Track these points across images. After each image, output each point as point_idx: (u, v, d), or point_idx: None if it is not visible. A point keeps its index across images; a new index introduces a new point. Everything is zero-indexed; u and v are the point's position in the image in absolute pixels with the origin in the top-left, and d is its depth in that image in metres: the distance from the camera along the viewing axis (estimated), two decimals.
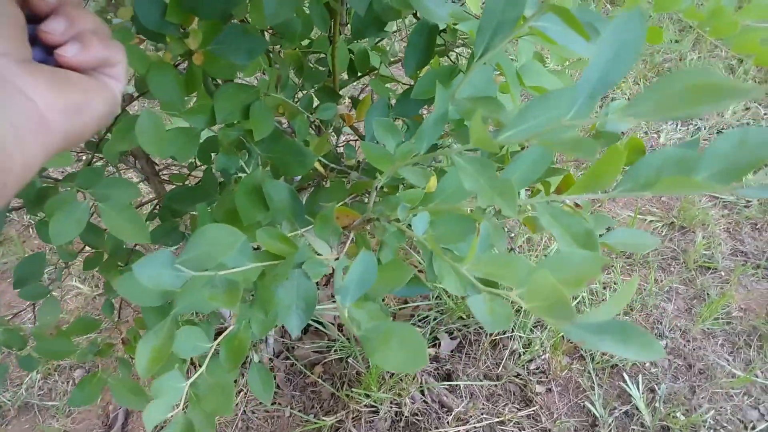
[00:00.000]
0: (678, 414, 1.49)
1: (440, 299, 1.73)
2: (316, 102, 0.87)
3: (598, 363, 1.62)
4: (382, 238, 0.62)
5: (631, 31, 0.34)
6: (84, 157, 0.87)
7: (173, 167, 1.24)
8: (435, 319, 1.70)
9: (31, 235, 2.21)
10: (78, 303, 1.95)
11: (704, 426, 1.47)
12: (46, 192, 0.82)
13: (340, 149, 0.94)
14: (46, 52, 0.33)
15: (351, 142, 0.87)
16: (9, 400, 1.68)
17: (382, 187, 0.66)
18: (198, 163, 1.04)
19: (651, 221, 2.05)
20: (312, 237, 0.63)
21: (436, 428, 1.48)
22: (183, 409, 0.63)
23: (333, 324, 1.73)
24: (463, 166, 0.47)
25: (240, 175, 0.74)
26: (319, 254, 0.60)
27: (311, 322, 1.73)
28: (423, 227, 0.57)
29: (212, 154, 0.99)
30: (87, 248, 1.01)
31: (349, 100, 1.01)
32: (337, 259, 0.61)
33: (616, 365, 1.62)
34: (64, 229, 0.68)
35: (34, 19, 0.32)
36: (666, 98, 0.29)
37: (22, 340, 0.86)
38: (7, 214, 0.76)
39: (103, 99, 0.34)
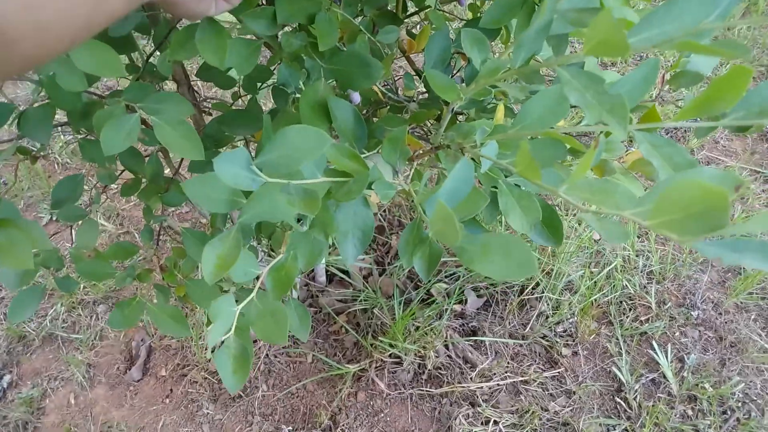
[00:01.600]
0: (706, 385, 1.47)
1: None
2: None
3: (626, 329, 1.60)
4: (453, 166, 0.58)
5: None
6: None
7: (212, 100, 1.20)
8: (462, 277, 1.68)
9: (56, 171, 2.20)
10: (102, 240, 1.94)
11: (732, 398, 1.44)
12: (91, 107, 0.79)
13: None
14: None
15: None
16: (33, 330, 1.69)
17: (454, 114, 0.62)
18: (242, 93, 1.00)
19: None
20: (377, 160, 0.59)
21: (459, 383, 1.47)
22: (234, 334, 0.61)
23: (358, 275, 1.71)
24: (567, 79, 0.43)
25: (297, 96, 0.70)
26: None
27: (336, 271, 1.72)
28: (493, 156, 0.53)
29: (258, 84, 0.95)
30: (123, 175, 0.99)
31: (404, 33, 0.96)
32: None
33: (645, 333, 1.60)
34: (115, 141, 0.64)
35: None
36: None
37: (60, 260, 0.84)
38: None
39: None
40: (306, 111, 0.60)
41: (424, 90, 0.87)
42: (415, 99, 0.78)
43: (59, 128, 2.26)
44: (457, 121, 0.83)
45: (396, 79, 0.86)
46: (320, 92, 0.61)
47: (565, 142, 0.49)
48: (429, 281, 1.68)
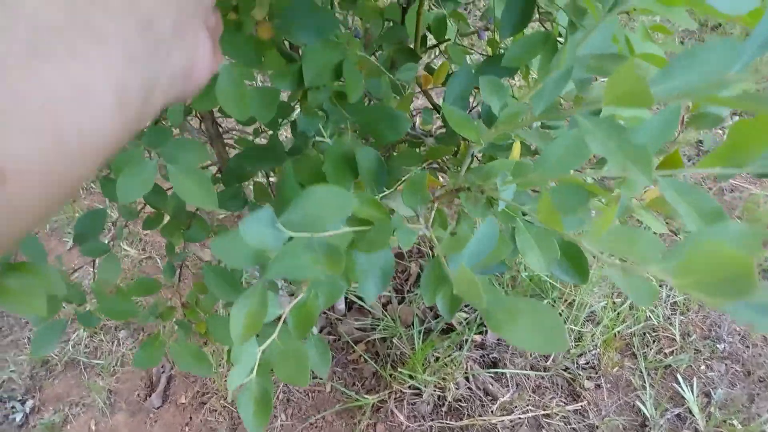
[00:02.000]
0: (734, 421, 1.43)
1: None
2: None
3: (650, 362, 1.56)
4: (474, 208, 0.58)
5: None
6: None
7: (234, 132, 1.22)
8: None
9: (81, 195, 2.24)
10: (125, 265, 1.97)
11: None
12: None
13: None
14: None
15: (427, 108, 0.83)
16: (56, 356, 1.71)
17: (472, 156, 0.62)
18: (263, 128, 1.02)
19: None
20: (394, 203, 0.60)
21: (480, 416, 1.45)
22: (256, 375, 0.61)
23: (377, 303, 1.71)
24: (589, 128, 0.43)
25: (318, 139, 0.71)
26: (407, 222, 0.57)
27: (355, 299, 1.71)
28: (510, 197, 0.53)
29: (279, 119, 0.97)
30: (146, 208, 1.00)
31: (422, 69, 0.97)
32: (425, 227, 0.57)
33: (670, 366, 1.56)
34: (131, 188, 0.66)
35: None
36: None
37: (82, 295, 0.85)
38: None
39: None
40: (330, 168, 0.61)
41: (441, 125, 0.87)
42: (432, 134, 0.78)
43: None
44: (475, 158, 0.83)
45: (413, 114, 0.87)
46: (346, 146, 0.62)
47: (587, 188, 0.49)
48: None
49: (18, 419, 1.58)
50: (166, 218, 0.96)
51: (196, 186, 0.68)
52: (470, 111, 0.91)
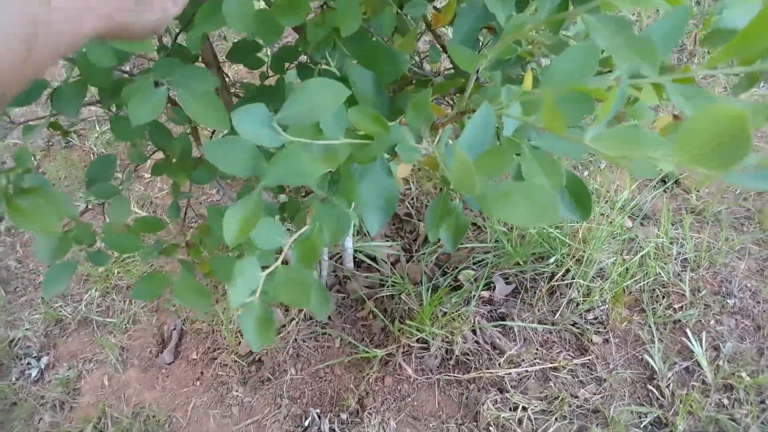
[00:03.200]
0: (743, 374, 1.43)
1: (498, 242, 1.69)
2: None
3: (659, 318, 1.56)
4: None
5: None
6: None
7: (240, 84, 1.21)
8: (491, 263, 1.66)
9: (92, 160, 2.25)
10: None
11: None
12: (122, 84, 0.80)
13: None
14: None
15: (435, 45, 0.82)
16: (69, 314, 1.74)
17: (477, 80, 0.61)
18: (269, 73, 1.01)
19: None
20: (402, 128, 0.59)
21: (487, 369, 1.46)
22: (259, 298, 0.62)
23: (386, 261, 1.71)
24: (595, 25, 0.42)
25: (325, 68, 0.70)
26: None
27: (364, 258, 1.72)
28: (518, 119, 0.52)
29: (285, 64, 0.96)
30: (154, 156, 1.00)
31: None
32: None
33: (679, 321, 1.56)
34: (142, 112, 0.65)
35: None
36: None
37: (93, 236, 0.86)
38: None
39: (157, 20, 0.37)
40: None
41: (451, 66, 0.86)
42: (441, 73, 0.77)
43: (95, 120, 2.31)
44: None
45: (421, 54, 0.86)
46: (344, 72, 0.61)
47: (592, 95, 0.48)
48: (456, 268, 1.67)
49: (34, 375, 1.61)
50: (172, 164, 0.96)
51: (209, 108, 0.68)
52: (479, 51, 0.89)
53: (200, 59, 1.01)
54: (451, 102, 0.84)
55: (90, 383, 1.57)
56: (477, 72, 0.56)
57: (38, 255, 0.81)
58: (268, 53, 2.27)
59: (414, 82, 0.80)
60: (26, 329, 1.71)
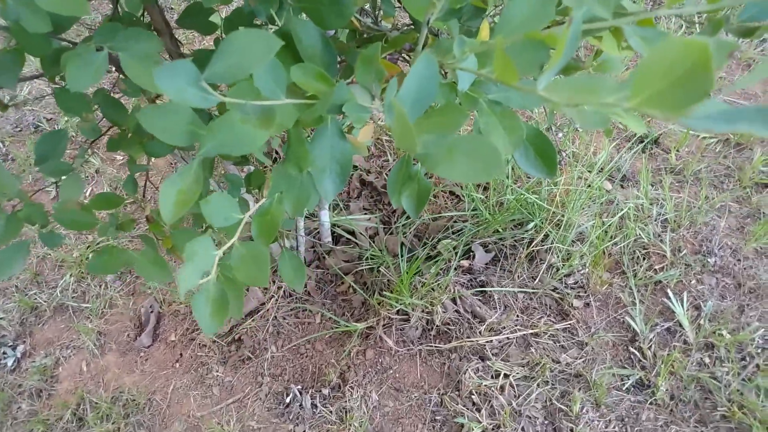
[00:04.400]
0: (724, 332, 1.43)
1: (476, 210, 1.66)
2: None
3: (640, 279, 1.55)
4: None
5: None
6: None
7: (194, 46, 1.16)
8: (470, 232, 1.64)
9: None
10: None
11: (752, 344, 1.40)
12: (63, 53, 0.76)
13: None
14: None
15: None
16: (45, 302, 1.70)
17: (435, 34, 0.58)
18: (223, 37, 0.96)
19: (704, 137, 1.92)
20: (352, 87, 0.56)
21: (468, 338, 1.45)
22: (215, 278, 0.59)
23: (364, 235, 1.69)
24: None
25: (270, 27, 0.66)
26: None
27: (342, 233, 1.69)
28: (471, 71, 0.49)
29: (240, 27, 0.91)
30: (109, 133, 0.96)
31: None
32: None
33: (660, 282, 1.55)
34: (82, 77, 0.61)
35: None
36: None
37: (44, 216, 0.82)
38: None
39: None
40: None
41: (410, 22, 0.82)
42: (398, 28, 0.73)
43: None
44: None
45: (378, 9, 0.82)
46: (288, 29, 0.57)
47: (547, 42, 0.45)
48: (435, 238, 1.65)
49: (10, 364, 1.58)
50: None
51: (151, 72, 0.64)
52: None
53: (152, 29, 0.96)
54: (406, 58, 0.81)
55: (68, 370, 1.55)
56: (428, 23, 0.52)
57: None
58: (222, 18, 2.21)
59: (370, 38, 0.76)
60: (0, 318, 1.67)
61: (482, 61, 0.54)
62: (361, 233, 1.69)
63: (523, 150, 0.60)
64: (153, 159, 0.84)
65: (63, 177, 0.87)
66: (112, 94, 0.91)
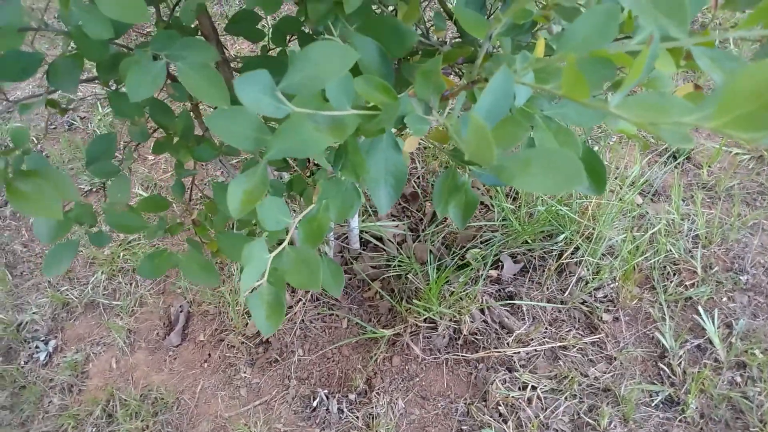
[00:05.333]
0: (756, 351, 1.41)
1: (506, 221, 1.66)
2: None
3: (670, 295, 1.54)
4: None
5: None
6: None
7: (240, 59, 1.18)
8: (499, 242, 1.64)
9: None
10: None
11: None
12: (119, 58, 0.78)
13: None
14: None
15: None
16: (76, 298, 1.73)
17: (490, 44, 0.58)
18: (270, 45, 0.98)
19: (737, 154, 1.90)
20: (411, 100, 0.57)
21: (496, 348, 1.45)
22: (267, 281, 0.60)
23: (392, 241, 1.70)
24: None
25: (327, 37, 0.67)
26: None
27: (370, 238, 1.70)
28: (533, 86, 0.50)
29: (287, 36, 0.93)
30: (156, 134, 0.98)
31: None
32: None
33: (690, 298, 1.54)
34: (141, 86, 0.63)
35: None
36: None
37: (93, 216, 0.84)
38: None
39: None
40: None
41: (458, 35, 0.83)
42: (447, 42, 0.74)
43: (98, 102, 2.29)
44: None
45: (428, 23, 0.83)
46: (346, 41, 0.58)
47: (614, 61, 0.45)
48: (464, 247, 1.65)
49: (42, 358, 1.61)
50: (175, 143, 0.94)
51: (207, 82, 0.65)
52: (488, 17, 0.86)
53: (200, 34, 0.98)
54: (458, 72, 0.81)
55: (98, 366, 1.57)
56: (489, 38, 0.53)
57: (38, 234, 0.79)
58: (269, 25, 2.25)
59: (420, 52, 0.77)
60: (33, 313, 1.71)
61: (540, 77, 0.55)
62: (389, 240, 1.70)
63: None
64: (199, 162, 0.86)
65: (111, 178, 0.89)
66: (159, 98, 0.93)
